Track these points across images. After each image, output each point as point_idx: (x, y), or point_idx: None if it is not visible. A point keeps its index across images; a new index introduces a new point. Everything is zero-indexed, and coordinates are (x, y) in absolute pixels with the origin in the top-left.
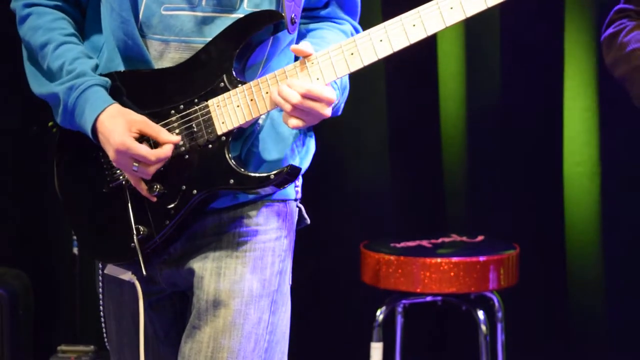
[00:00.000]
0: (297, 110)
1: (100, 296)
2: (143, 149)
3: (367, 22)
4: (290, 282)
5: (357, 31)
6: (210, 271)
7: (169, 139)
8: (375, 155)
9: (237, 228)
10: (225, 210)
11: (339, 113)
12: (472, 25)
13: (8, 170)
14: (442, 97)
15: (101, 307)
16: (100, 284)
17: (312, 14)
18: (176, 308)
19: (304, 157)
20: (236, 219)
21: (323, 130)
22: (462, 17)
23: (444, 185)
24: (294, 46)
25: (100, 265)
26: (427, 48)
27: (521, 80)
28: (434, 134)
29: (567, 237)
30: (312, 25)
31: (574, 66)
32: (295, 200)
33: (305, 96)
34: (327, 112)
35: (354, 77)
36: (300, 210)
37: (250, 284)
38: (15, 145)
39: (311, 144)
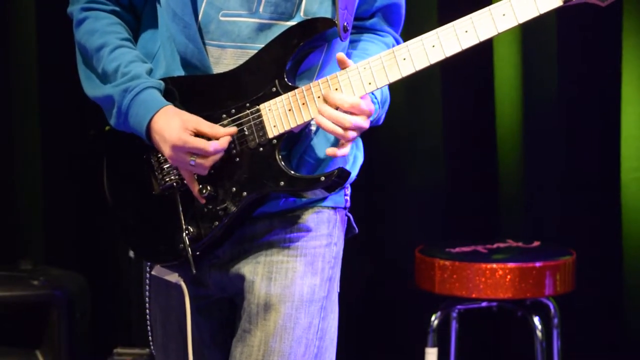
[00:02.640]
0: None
1: (147, 300)
2: (200, 141)
3: (422, 27)
4: (339, 290)
5: (398, 43)
6: (262, 275)
7: (226, 131)
8: (430, 160)
9: (288, 233)
10: (276, 215)
11: (380, 123)
12: (528, 31)
13: (66, 173)
14: (498, 101)
15: (147, 312)
16: (147, 287)
17: (358, 24)
18: (224, 314)
19: (352, 165)
20: (287, 224)
21: (379, 135)
22: (514, 24)
23: (500, 190)
24: (340, 54)
25: (148, 269)
26: (483, 52)
27: (578, 86)
28: (490, 138)
29: (624, 242)
30: (354, 36)
31: (632, 72)
32: (345, 208)
33: (352, 111)
34: (367, 124)
35: (410, 82)
36: (349, 219)
37: (300, 288)
38: (72, 149)
39: (359, 154)
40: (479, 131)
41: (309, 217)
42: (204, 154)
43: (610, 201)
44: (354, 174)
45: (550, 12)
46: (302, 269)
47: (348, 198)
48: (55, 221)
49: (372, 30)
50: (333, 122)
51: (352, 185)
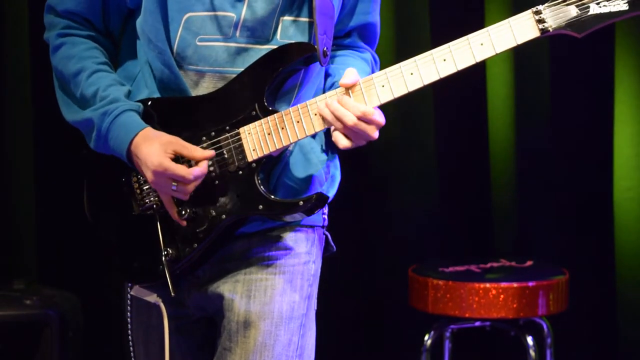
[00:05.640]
0: (349, 131)
1: (129, 320)
2: (181, 169)
3: (415, 48)
4: (316, 308)
5: (374, 58)
6: (241, 294)
7: (204, 155)
8: (423, 179)
9: (266, 252)
10: (254, 234)
11: None
12: (522, 49)
13: (59, 192)
14: (490, 120)
15: (129, 332)
16: (129, 307)
17: (335, 42)
18: (204, 332)
19: (330, 185)
20: (265, 243)
21: (372, 153)
22: (492, 54)
23: (493, 210)
24: (343, 82)
25: (129, 289)
26: (476, 70)
27: (571, 105)
28: (482, 157)
29: (617, 261)
30: (332, 52)
31: (625, 91)
32: (323, 227)
33: (360, 118)
34: (376, 135)
35: (402, 100)
36: (327, 238)
37: (280, 305)
38: (65, 167)
39: (337, 173)
40: (472, 151)
41: (288, 236)
42: (184, 181)
43: (603, 220)
44: (332, 193)
45: None
46: (281, 286)
47: (326, 217)
48: (48, 240)
49: (349, 47)
50: (335, 116)
51: (335, 203)
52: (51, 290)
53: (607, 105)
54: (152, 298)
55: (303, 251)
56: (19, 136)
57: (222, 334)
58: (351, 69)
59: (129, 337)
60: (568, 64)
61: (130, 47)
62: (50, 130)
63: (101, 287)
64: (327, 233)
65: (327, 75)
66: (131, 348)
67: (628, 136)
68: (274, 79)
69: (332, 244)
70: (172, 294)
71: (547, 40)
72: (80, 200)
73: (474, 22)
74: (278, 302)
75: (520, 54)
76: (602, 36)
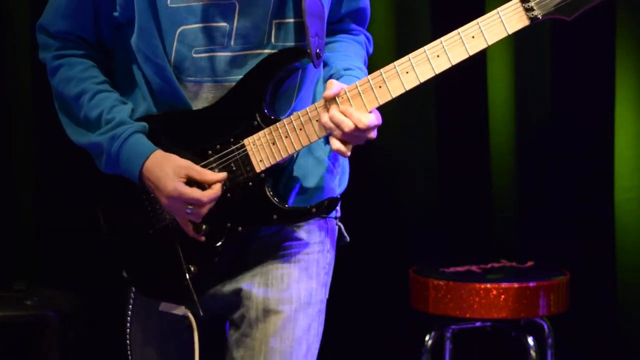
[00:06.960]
0: (347, 136)
1: (128, 320)
2: (196, 193)
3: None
4: (327, 296)
5: (368, 39)
6: (258, 284)
7: (216, 178)
8: (424, 179)
9: (281, 243)
10: (268, 235)
11: None
12: (522, 49)
13: (60, 193)
14: (492, 120)
15: (127, 333)
16: (130, 308)
17: (329, 28)
18: (210, 333)
19: (342, 177)
20: (279, 237)
21: (373, 153)
22: (484, 46)
23: (494, 210)
24: (326, 94)
25: (132, 293)
26: (476, 71)
27: (572, 105)
28: (483, 158)
29: (618, 262)
30: (329, 38)
31: (625, 92)
32: (335, 218)
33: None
34: (374, 135)
35: (403, 100)
36: (340, 229)
37: (297, 292)
38: (66, 169)
39: (346, 163)
40: (473, 150)
41: (302, 228)
42: (199, 204)
43: (603, 221)
44: (344, 184)
45: (544, 31)
46: (297, 274)
47: (338, 207)
48: (48, 241)
49: (343, 31)
50: (334, 124)
51: (343, 194)
52: (52, 291)
53: (608, 105)
54: (181, 311)
55: (317, 241)
56: (20, 137)
57: (242, 324)
58: (332, 81)
59: (127, 339)
60: (569, 65)
61: (123, 63)
62: (50, 131)
63: (101, 288)
64: (340, 224)
65: (324, 64)
66: (129, 351)
67: (629, 137)
68: (270, 86)
69: (345, 234)
70: (201, 313)
71: (549, 41)
72: (84, 201)
73: None
74: (295, 288)
75: (520, 54)
76: (603, 37)
